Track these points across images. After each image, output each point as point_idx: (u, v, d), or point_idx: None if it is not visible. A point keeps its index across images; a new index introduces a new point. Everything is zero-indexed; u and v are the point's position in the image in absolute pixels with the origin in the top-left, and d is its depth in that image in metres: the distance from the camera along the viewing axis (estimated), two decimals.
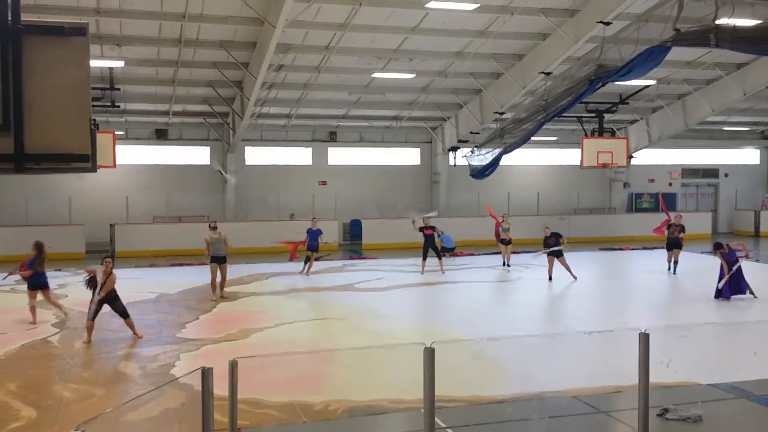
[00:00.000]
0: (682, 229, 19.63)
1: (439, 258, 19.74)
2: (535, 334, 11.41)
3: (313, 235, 19.25)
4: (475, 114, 26.02)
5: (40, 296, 13.43)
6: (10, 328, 12.79)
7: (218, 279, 15.67)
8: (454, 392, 8.29)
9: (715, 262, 16.21)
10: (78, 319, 13.56)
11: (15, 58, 3.96)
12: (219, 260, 15.55)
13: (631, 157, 28.55)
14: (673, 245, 19.51)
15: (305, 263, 19.40)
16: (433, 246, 19.70)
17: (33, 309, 13.37)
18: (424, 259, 19.62)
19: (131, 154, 26.17)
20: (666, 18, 15.96)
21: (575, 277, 17.96)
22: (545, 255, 18.30)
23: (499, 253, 21.43)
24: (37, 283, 13.38)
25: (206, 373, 5.22)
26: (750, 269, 16.30)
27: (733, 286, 15.27)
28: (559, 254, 17.99)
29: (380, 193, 28.78)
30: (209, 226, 16.38)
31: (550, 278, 18.03)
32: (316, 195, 27.92)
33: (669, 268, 19.54)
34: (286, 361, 9.61)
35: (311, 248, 19.25)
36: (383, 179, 29.29)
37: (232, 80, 22.27)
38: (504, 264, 20.84)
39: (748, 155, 34.73)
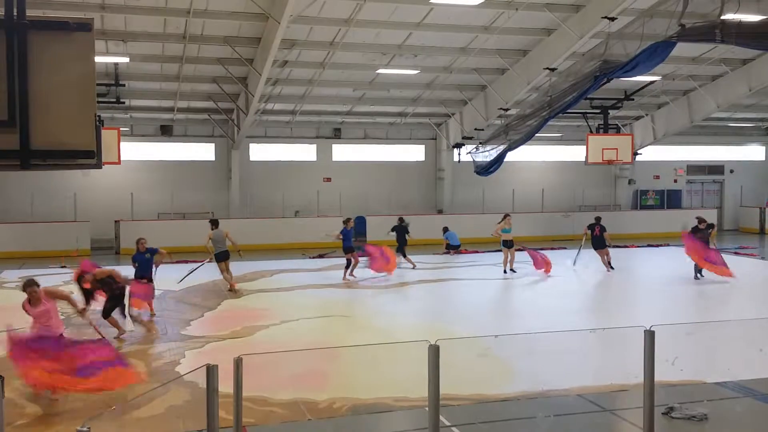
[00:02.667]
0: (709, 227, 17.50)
1: (404, 256, 20.17)
2: (540, 332, 11.36)
3: (348, 234, 18.30)
4: (479, 110, 25.97)
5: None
6: (15, 324, 12.78)
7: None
8: (458, 390, 8.26)
9: (727, 260, 16.25)
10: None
11: (20, 54, 3.95)
12: (222, 257, 15.57)
13: (636, 153, 28.47)
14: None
15: (347, 267, 18.13)
16: (401, 242, 20.45)
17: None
18: (404, 255, 20.19)
19: (136, 151, 26.19)
20: (671, 13, 15.94)
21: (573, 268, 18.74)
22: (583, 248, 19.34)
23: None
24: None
25: (211, 371, 5.21)
26: (756, 267, 16.25)
27: None
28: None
29: (385, 190, 28.75)
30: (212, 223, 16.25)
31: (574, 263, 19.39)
32: (321, 192, 27.92)
33: (696, 276, 17.16)
34: (291, 359, 9.59)
35: (349, 249, 18.20)
36: (388, 176, 29.26)
37: (237, 76, 22.25)
38: (505, 271, 19.10)
39: (754, 151, 34.60)
